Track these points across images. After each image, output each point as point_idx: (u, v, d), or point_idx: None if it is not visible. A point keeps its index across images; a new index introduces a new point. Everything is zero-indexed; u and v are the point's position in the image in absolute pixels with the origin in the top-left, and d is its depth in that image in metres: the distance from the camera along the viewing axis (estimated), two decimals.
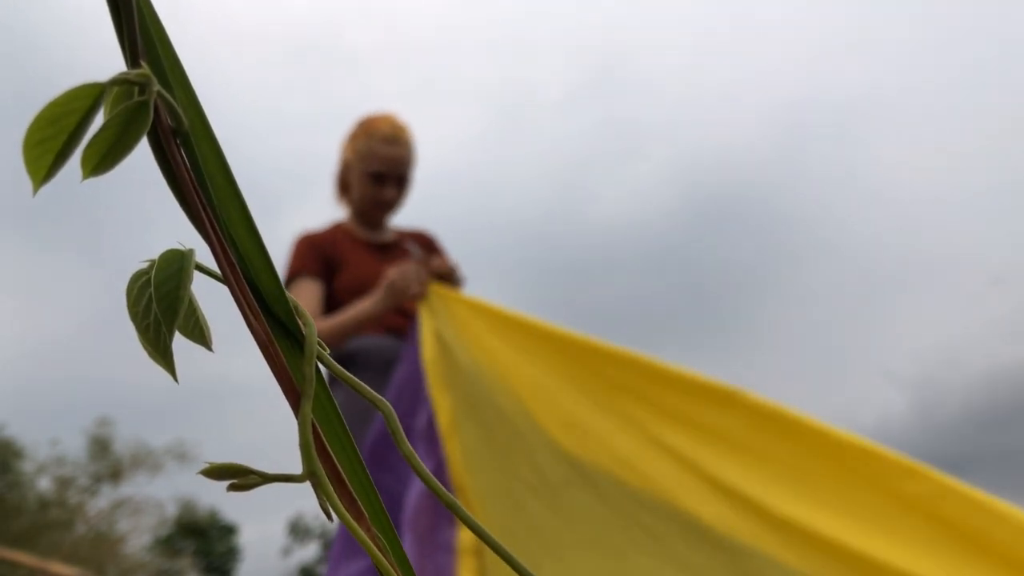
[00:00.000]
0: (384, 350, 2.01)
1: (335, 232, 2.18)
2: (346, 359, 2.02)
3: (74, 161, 0.30)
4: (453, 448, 1.70)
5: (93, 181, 0.31)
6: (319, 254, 2.10)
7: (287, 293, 0.33)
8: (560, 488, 1.63)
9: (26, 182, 0.29)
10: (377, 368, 1.99)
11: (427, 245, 2.28)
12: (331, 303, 2.07)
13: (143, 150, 0.31)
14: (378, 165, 2.12)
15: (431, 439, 1.72)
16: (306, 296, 2.02)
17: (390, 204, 2.18)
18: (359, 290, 2.03)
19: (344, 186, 2.24)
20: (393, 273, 1.85)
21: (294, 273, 2.07)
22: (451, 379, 1.75)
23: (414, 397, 1.78)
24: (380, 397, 0.31)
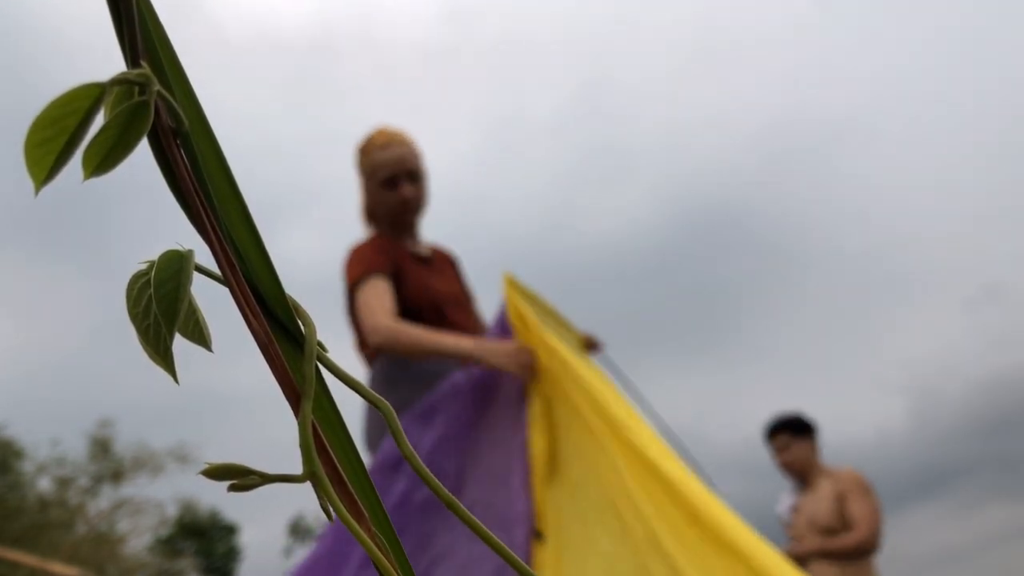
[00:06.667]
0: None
1: (389, 241, 2.20)
2: (429, 376, 2.04)
3: (75, 164, 0.30)
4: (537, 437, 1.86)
5: (94, 183, 0.31)
6: (389, 258, 2.11)
7: (287, 294, 0.33)
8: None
9: (28, 188, 0.29)
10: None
11: (450, 264, 2.34)
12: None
13: (143, 151, 0.32)
14: (386, 171, 2.16)
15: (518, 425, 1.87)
16: (384, 295, 2.03)
17: (413, 202, 2.20)
18: (417, 303, 2.08)
19: (371, 213, 2.26)
20: (524, 352, 1.91)
21: (369, 271, 2.06)
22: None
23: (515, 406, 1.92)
24: (380, 398, 0.31)
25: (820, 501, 3.35)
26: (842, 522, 3.31)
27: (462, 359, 1.93)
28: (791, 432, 3.51)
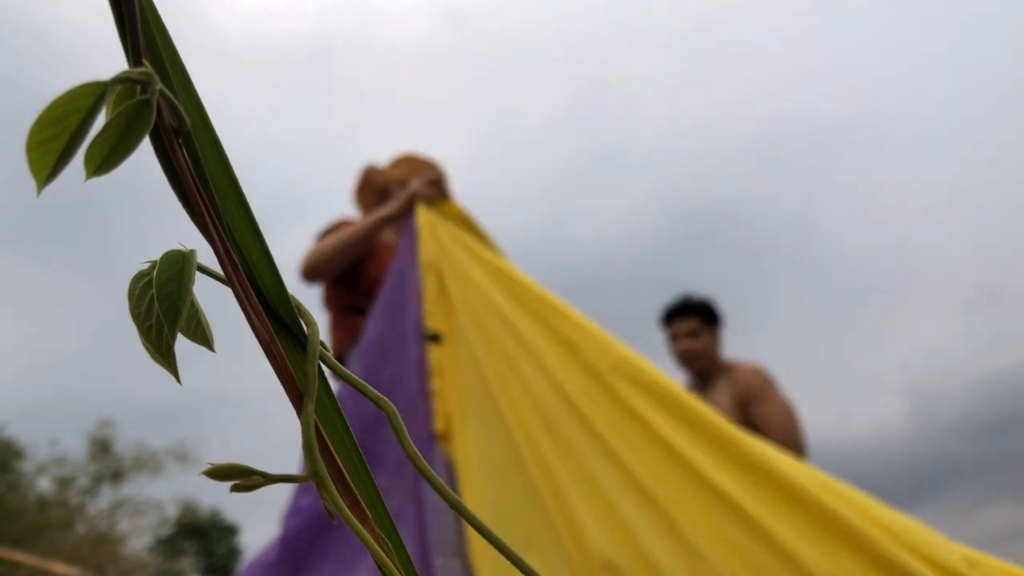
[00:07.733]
0: None
1: None
2: None
3: (77, 163, 0.30)
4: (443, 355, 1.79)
5: (95, 183, 0.31)
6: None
7: (290, 294, 0.32)
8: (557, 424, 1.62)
9: (30, 190, 0.29)
10: None
11: None
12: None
13: (145, 150, 0.31)
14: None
15: (415, 341, 1.82)
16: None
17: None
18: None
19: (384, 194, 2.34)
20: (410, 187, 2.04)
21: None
22: (452, 280, 1.86)
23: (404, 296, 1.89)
24: (384, 398, 0.31)
25: (719, 405, 2.74)
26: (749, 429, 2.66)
27: (366, 235, 2.04)
28: (701, 318, 2.93)
